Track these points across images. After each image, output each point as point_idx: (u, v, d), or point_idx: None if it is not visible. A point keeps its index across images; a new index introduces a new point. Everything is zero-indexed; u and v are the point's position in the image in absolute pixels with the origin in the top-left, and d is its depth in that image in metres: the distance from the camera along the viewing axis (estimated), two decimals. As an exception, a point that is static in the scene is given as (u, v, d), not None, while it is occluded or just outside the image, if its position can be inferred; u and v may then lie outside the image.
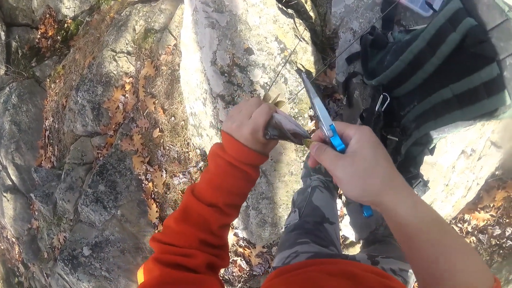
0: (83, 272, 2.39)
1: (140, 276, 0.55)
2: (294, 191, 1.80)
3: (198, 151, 2.10)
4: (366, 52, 1.09)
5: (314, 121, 1.68)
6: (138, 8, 2.60)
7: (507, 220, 1.53)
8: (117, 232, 2.42)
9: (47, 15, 3.53)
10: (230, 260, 2.16)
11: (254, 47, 1.58)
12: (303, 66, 1.71)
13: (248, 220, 1.90)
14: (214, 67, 1.58)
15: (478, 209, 1.55)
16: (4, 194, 3.46)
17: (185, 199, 0.58)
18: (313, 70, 1.72)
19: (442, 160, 1.14)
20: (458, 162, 1.17)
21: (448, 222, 1.67)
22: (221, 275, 2.19)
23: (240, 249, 2.12)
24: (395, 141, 1.04)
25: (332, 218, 1.05)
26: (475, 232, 1.58)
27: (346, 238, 1.73)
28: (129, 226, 2.42)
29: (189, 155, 2.17)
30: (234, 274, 2.17)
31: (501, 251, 1.53)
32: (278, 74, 1.63)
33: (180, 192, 2.24)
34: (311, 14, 1.74)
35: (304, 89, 1.61)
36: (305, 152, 1.71)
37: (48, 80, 3.38)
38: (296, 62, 1.69)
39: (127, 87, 2.52)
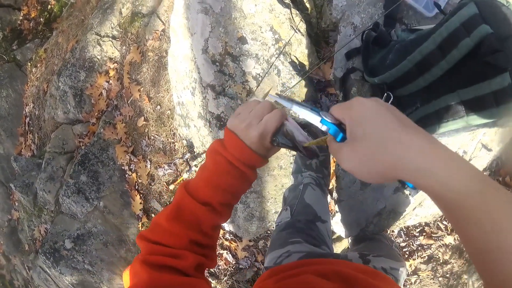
0: (65, 265, 2.32)
1: (126, 279, 0.53)
2: (283, 185, 1.77)
3: (185, 142, 2.04)
4: (368, 48, 1.06)
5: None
6: (125, -10, 2.47)
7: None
8: (99, 224, 2.34)
9: (31, -5, 3.34)
10: (217, 253, 2.13)
11: (248, 36, 1.52)
12: (297, 58, 1.66)
13: (235, 214, 1.87)
14: (205, 55, 1.51)
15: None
16: (-17, 183, 3.30)
17: (178, 196, 0.55)
18: (306, 63, 1.67)
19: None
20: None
21: (439, 220, 1.69)
22: (207, 269, 2.16)
23: (227, 243, 2.09)
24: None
25: (324, 216, 1.03)
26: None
27: (333, 233, 1.73)
28: (112, 218, 2.35)
29: (175, 145, 2.10)
30: (220, 267, 2.15)
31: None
32: (271, 66, 1.58)
33: (165, 183, 2.18)
34: (307, 5, 1.69)
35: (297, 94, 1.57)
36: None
37: (29, 64, 3.20)
38: (290, 53, 1.64)
39: (111, 73, 2.40)
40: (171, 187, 2.15)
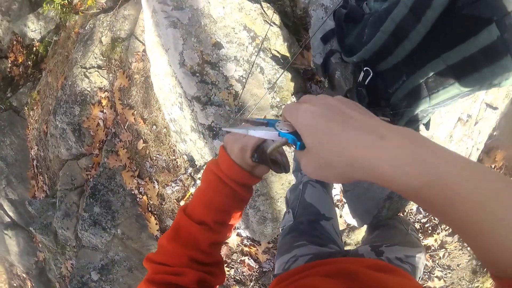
0: (95, 297, 2.35)
1: None
2: (289, 182, 1.73)
3: (185, 157, 2.02)
4: (342, 27, 1.00)
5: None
6: (101, 18, 2.47)
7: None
8: (120, 251, 2.36)
9: (14, 42, 3.40)
10: (238, 261, 2.11)
11: (222, 40, 1.48)
12: (278, 52, 1.61)
13: (247, 219, 1.84)
14: (184, 68, 1.48)
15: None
16: (5, 231, 3.41)
17: (177, 218, 0.58)
18: (289, 54, 1.62)
19: (438, 133, 1.06)
20: (455, 131, 1.09)
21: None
22: (232, 277, 2.15)
23: (246, 248, 2.06)
24: (387, 121, 0.96)
25: (328, 213, 0.98)
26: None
27: (348, 224, 1.67)
28: (131, 243, 2.36)
29: (177, 162, 2.09)
30: (244, 273, 2.13)
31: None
32: (253, 65, 1.54)
33: (175, 200, 2.17)
34: (278, -5, 1.63)
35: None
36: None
37: (26, 108, 3.27)
38: (270, 49, 1.59)
39: (104, 102, 2.41)
40: (182, 203, 2.14)
